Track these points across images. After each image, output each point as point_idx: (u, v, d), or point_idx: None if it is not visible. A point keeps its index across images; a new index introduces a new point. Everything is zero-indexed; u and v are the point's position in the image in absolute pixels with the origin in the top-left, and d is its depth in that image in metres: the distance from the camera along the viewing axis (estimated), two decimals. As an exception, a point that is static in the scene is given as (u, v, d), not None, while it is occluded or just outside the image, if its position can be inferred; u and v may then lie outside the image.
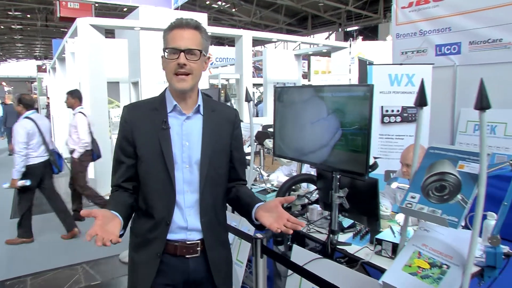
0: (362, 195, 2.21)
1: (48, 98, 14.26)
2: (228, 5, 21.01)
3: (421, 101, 1.65)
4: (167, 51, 1.43)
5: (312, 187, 3.17)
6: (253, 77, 10.77)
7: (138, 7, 8.99)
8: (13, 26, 23.13)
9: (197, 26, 1.45)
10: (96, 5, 11.50)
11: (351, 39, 12.56)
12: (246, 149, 3.47)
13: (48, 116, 12.71)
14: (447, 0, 4.80)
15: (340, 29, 22.01)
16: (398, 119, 4.48)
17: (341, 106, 2.14)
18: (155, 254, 1.45)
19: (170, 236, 1.45)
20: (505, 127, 4.25)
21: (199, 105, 1.52)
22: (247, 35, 6.92)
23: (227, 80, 7.75)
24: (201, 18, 9.00)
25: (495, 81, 3.94)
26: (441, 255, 1.58)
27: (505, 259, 1.93)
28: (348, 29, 21.84)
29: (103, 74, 6.01)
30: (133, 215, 1.53)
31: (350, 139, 2.05)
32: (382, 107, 4.49)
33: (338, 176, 2.12)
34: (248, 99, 3.17)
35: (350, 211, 2.25)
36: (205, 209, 1.49)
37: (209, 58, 1.53)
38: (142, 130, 1.46)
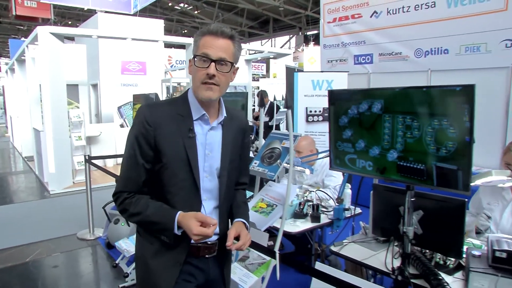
0: (442, 217, 1.85)
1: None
2: (191, 7, 21.42)
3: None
4: (197, 57, 1.37)
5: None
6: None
7: (96, 11, 9.45)
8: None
9: (231, 36, 1.39)
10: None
11: (304, 44, 13.39)
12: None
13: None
14: (362, 18, 5.69)
15: (300, 33, 22.86)
16: (320, 118, 5.28)
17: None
18: (176, 262, 1.45)
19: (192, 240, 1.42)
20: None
21: (225, 117, 1.49)
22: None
23: (179, 83, 8.36)
24: (157, 24, 9.59)
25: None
26: (273, 199, 2.50)
27: (349, 217, 2.72)
28: (308, 33, 22.76)
29: (62, 77, 6.50)
30: None
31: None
32: (306, 108, 5.27)
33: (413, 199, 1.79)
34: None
35: (422, 237, 1.87)
36: (223, 215, 1.54)
37: (237, 68, 1.47)
38: (168, 135, 1.38)
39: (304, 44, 15.55)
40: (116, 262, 3.41)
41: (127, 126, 8.32)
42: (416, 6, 5.14)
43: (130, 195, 1.42)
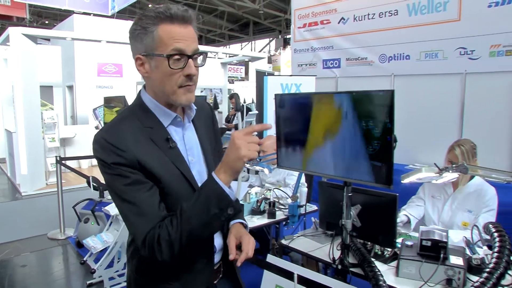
0: (377, 212, 2.05)
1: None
2: (171, 9, 21.36)
3: (214, 107, 2.56)
4: (169, 57, 1.07)
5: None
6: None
7: (73, 12, 9.42)
8: None
9: (194, 19, 1.12)
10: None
11: (281, 47, 13.59)
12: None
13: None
14: (331, 24, 5.90)
15: (280, 36, 23.10)
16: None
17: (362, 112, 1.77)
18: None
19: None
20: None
21: (195, 110, 1.26)
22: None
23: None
24: (135, 26, 9.61)
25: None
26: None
27: (305, 214, 2.89)
28: (288, 36, 23.00)
29: (35, 78, 6.50)
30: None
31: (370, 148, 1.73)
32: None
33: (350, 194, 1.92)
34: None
35: (361, 230, 2.01)
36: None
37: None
38: (148, 154, 1.10)
39: (282, 47, 15.76)
40: (84, 259, 3.50)
41: (103, 128, 8.34)
42: (381, 14, 5.38)
43: (161, 224, 1.08)
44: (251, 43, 25.41)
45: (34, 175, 6.58)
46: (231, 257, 1.19)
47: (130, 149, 1.07)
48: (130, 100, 4.53)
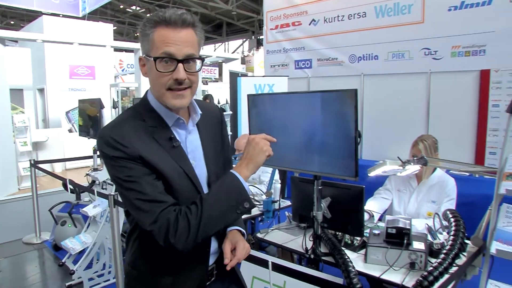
0: (345, 203, 2.18)
1: None
2: (143, 10, 21.17)
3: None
4: (156, 60, 1.10)
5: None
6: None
7: (40, 13, 9.23)
8: None
9: (194, 23, 1.15)
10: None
11: (254, 48, 13.71)
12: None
13: None
14: (302, 25, 6.06)
15: (253, 37, 23.20)
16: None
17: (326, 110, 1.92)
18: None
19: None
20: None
21: (201, 114, 1.28)
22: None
23: (127, 88, 8.41)
24: (106, 28, 9.54)
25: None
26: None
27: (279, 209, 3.01)
28: (261, 37, 23.13)
29: (4, 81, 6.36)
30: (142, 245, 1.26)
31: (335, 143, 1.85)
32: (250, 110, 5.56)
33: (320, 188, 2.03)
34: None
35: (331, 221, 2.13)
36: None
37: (203, 60, 1.22)
38: (151, 152, 1.13)
39: (255, 48, 15.90)
40: (62, 261, 3.51)
41: (76, 131, 8.24)
42: (350, 16, 5.58)
43: (176, 206, 1.12)
44: (225, 44, 25.44)
45: (5, 180, 6.44)
46: (226, 261, 1.21)
47: (133, 146, 1.10)
48: (105, 103, 4.55)
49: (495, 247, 1.65)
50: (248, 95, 2.23)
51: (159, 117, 1.20)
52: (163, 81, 1.12)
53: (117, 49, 9.59)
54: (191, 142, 1.26)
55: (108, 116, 6.25)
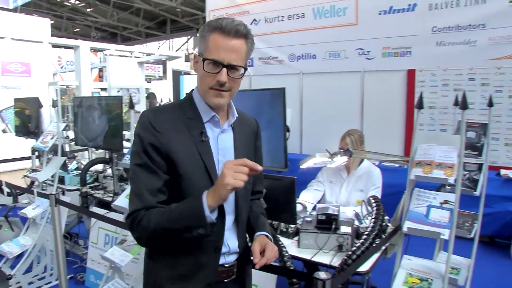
0: (279, 193, 2.30)
1: None
2: (83, 4, 20.25)
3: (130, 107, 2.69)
4: (205, 61, 1.22)
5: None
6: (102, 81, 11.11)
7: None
8: None
9: (246, 35, 1.24)
10: None
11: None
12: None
13: None
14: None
15: (197, 34, 22.94)
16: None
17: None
18: (207, 286, 1.31)
19: None
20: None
21: (237, 117, 1.37)
22: (84, 45, 7.52)
23: (67, 86, 8.11)
24: (43, 23, 9.10)
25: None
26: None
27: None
28: (206, 35, 22.95)
29: None
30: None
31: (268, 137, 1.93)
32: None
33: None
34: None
35: (267, 211, 1.96)
36: (242, 229, 1.41)
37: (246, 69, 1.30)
38: (179, 141, 1.24)
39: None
40: (-1, 266, 3.38)
41: (11, 132, 7.81)
42: (289, 16, 5.82)
43: (148, 211, 1.21)
44: (169, 42, 25.06)
45: None
46: (255, 260, 1.27)
47: (165, 132, 1.23)
48: (43, 102, 4.39)
49: (406, 225, 1.87)
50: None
51: (197, 110, 1.31)
52: (207, 80, 1.23)
53: (55, 45, 9.18)
54: (223, 140, 1.34)
55: (47, 115, 6.01)
